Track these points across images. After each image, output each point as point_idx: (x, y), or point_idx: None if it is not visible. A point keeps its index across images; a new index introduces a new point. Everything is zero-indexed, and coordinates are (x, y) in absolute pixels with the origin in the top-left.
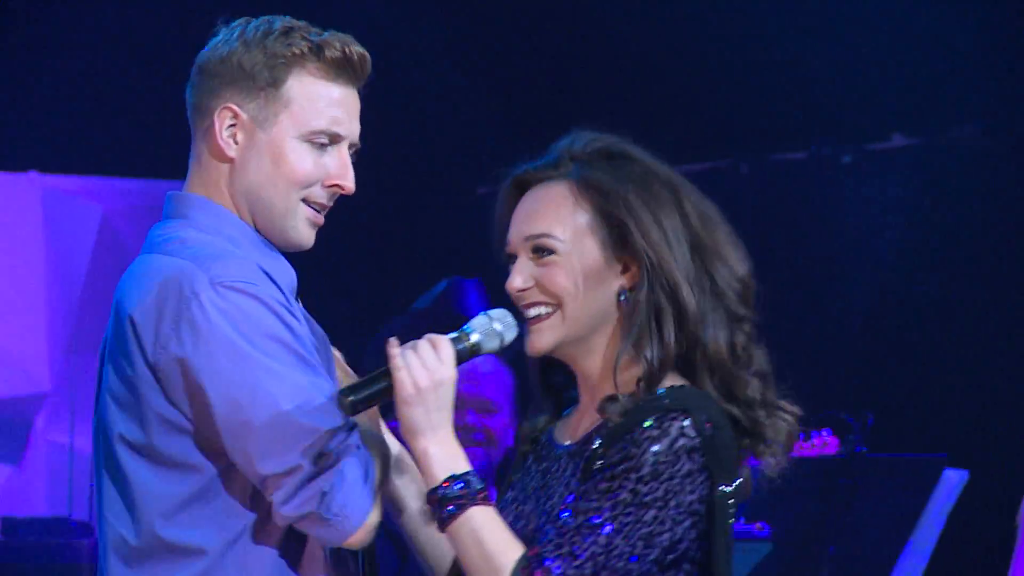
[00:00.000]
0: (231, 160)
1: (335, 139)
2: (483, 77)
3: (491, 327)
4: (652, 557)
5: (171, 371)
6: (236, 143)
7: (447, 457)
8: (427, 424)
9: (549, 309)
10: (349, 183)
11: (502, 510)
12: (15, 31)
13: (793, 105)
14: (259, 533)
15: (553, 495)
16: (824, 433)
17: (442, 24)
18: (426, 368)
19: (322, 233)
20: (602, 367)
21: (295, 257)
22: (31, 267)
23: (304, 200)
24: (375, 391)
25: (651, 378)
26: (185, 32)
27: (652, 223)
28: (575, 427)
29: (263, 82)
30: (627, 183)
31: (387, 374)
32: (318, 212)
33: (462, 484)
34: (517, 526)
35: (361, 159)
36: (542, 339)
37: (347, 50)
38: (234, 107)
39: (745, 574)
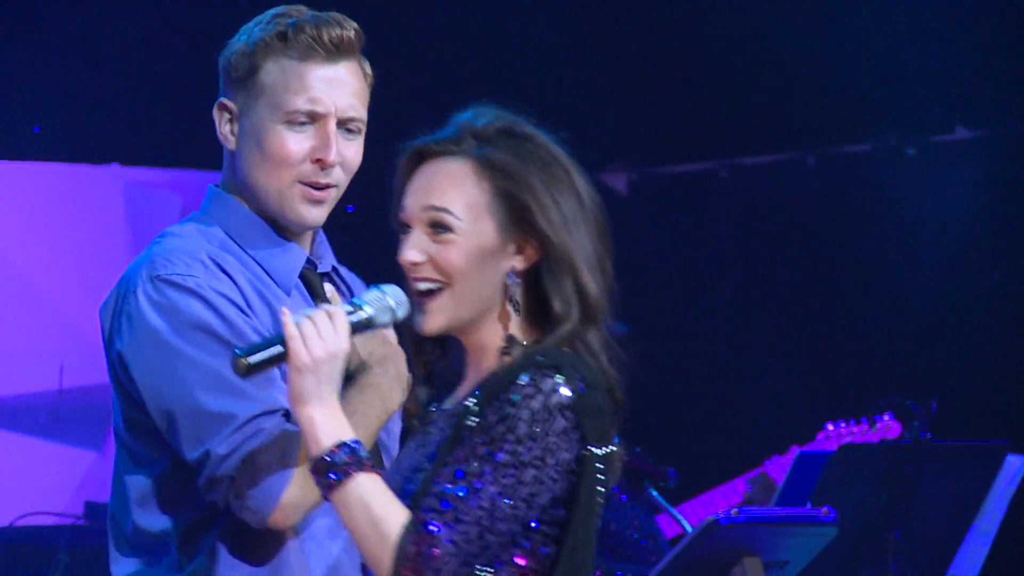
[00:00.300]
0: (232, 153)
1: (314, 116)
2: (558, 69)
3: (385, 302)
4: (534, 516)
5: (117, 365)
6: (233, 136)
7: (334, 425)
8: (316, 393)
9: (439, 285)
10: (329, 156)
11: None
12: (99, 26)
13: (857, 97)
14: (219, 521)
15: (422, 458)
16: (887, 418)
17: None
18: (322, 339)
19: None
20: (490, 343)
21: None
22: (113, 258)
23: (299, 181)
24: (270, 356)
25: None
26: None
27: (554, 206)
28: (457, 396)
29: (243, 72)
30: (530, 165)
31: (283, 341)
32: (314, 189)
33: (349, 451)
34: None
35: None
36: (433, 321)
37: (318, 31)
38: (226, 101)
39: (811, 558)
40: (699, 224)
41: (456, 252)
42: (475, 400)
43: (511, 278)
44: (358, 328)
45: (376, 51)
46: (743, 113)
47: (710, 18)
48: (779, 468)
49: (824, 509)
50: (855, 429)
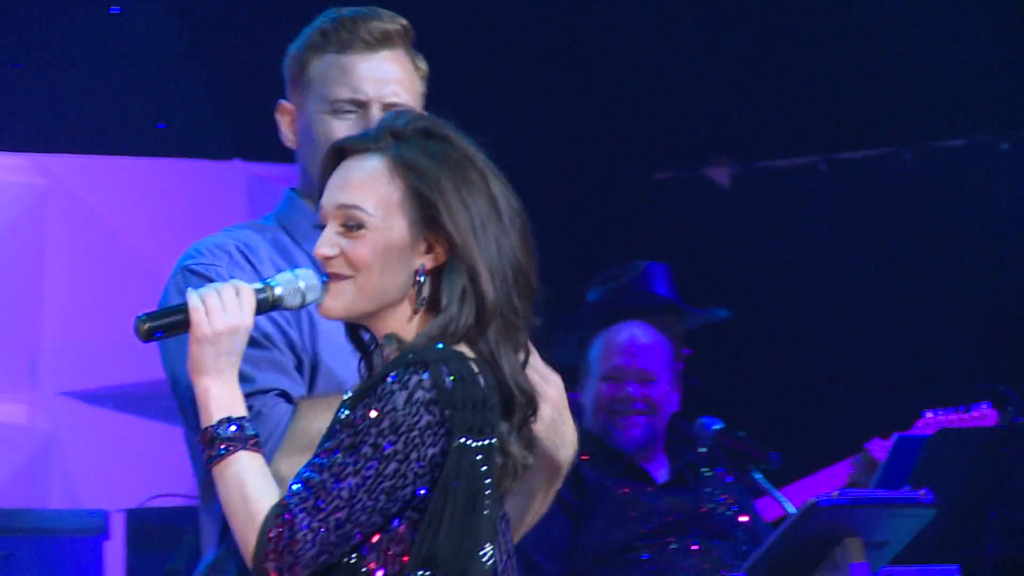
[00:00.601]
0: (295, 152)
1: (359, 104)
2: (662, 64)
3: (296, 284)
4: (395, 510)
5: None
6: (293, 135)
7: (228, 400)
8: (214, 365)
9: (348, 274)
10: None
11: None
12: (223, 23)
13: (953, 93)
14: None
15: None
16: (985, 407)
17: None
18: (225, 312)
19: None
20: (390, 332)
21: None
22: None
23: None
24: (172, 322)
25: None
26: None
27: (461, 207)
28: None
29: (295, 72)
30: (442, 165)
31: (186, 310)
32: None
33: (236, 428)
34: None
35: (543, 150)
36: (333, 304)
37: (355, 25)
38: (284, 103)
39: (910, 538)
40: (798, 216)
41: (366, 247)
42: (350, 394)
43: (418, 275)
44: (264, 306)
45: (463, 49)
46: (841, 108)
47: (809, 14)
48: (881, 452)
49: (922, 491)
50: (953, 417)
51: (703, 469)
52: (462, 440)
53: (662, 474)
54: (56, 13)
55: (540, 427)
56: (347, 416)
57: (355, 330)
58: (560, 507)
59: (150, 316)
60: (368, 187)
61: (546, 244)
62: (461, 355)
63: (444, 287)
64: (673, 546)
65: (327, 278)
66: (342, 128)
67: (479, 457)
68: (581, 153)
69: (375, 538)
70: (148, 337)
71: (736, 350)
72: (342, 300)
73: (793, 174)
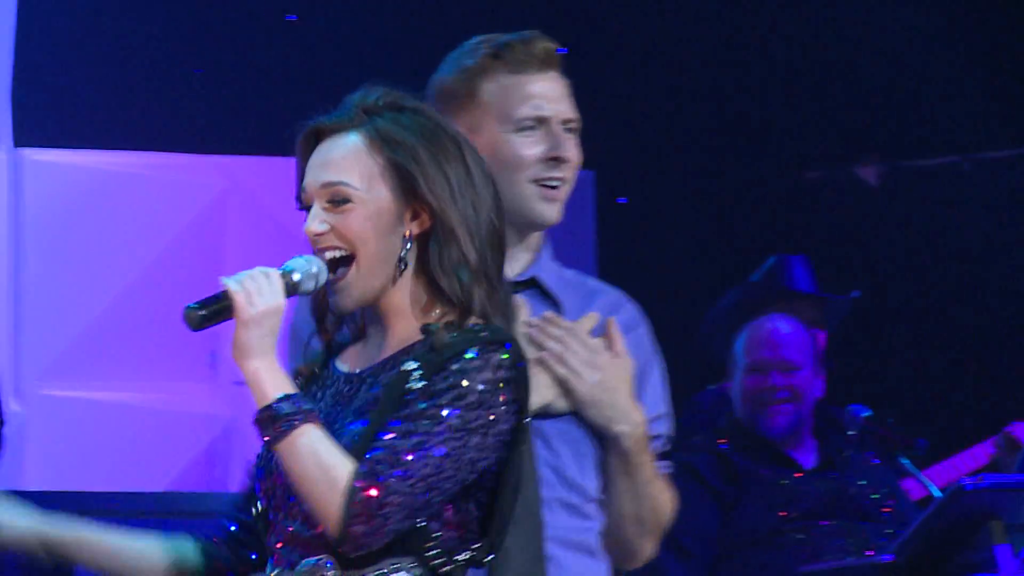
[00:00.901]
0: None
1: (541, 120)
2: (814, 67)
3: (310, 269)
4: (470, 481)
5: None
6: None
7: (278, 378)
8: (259, 347)
9: (343, 252)
10: (566, 152)
11: None
12: (368, 23)
13: None
14: None
15: (347, 414)
16: None
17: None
18: (263, 294)
19: (672, 218)
20: (396, 304)
21: (678, 245)
22: None
23: (534, 181)
24: (219, 308)
25: (462, 315)
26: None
27: (439, 175)
28: (360, 356)
29: (463, 97)
30: (416, 135)
31: (228, 296)
32: (550, 188)
33: (295, 403)
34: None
35: (700, 150)
36: (348, 298)
37: (527, 47)
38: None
39: None
40: (942, 214)
41: (356, 219)
42: (417, 367)
43: (405, 241)
44: (287, 291)
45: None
46: (984, 108)
47: (955, 17)
48: (1023, 433)
49: None
50: None
51: (851, 454)
52: (526, 420)
53: (810, 459)
54: (234, 21)
55: (585, 391)
56: (425, 387)
57: (325, 323)
58: (708, 493)
59: (199, 305)
60: (350, 162)
61: (701, 239)
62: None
63: (432, 252)
64: (820, 529)
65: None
66: (527, 145)
67: (527, 436)
68: (735, 153)
69: (448, 509)
70: (200, 325)
71: (884, 338)
72: (353, 288)
73: (938, 173)
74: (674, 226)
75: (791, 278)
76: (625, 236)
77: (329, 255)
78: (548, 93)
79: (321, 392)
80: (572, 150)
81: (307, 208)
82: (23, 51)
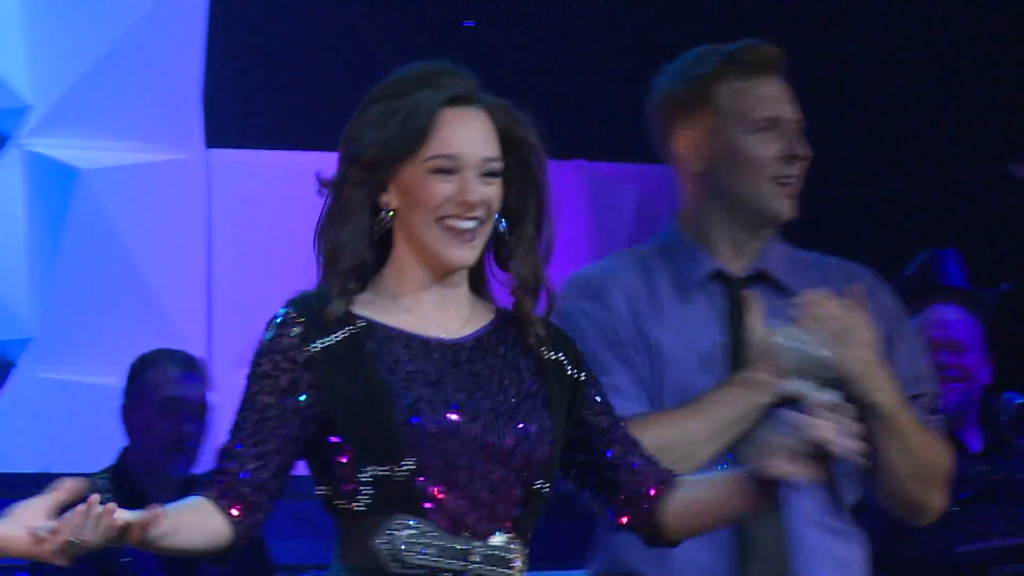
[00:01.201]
0: (699, 174)
1: (776, 122)
2: (968, 67)
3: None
4: None
5: None
6: (701, 158)
7: None
8: None
9: (480, 223)
10: (800, 151)
11: (441, 406)
12: (556, 24)
13: None
14: None
15: (507, 380)
16: None
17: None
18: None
19: (827, 215)
20: (473, 268)
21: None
22: (576, 249)
23: (774, 178)
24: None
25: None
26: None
27: (544, 156)
28: (450, 320)
29: (695, 104)
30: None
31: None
32: (786, 184)
33: None
34: (482, 415)
35: (856, 148)
36: (473, 255)
37: (756, 54)
38: (683, 132)
39: None
40: None
41: (498, 194)
42: (561, 354)
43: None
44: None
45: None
46: None
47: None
48: None
49: None
50: None
51: (1013, 438)
52: None
53: (976, 443)
54: (413, 28)
55: (857, 367)
56: (589, 373)
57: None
58: None
59: None
60: (493, 139)
61: (856, 236)
62: None
63: (525, 228)
64: (983, 512)
65: None
66: (765, 145)
67: None
68: (892, 150)
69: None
70: None
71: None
72: (478, 247)
73: None
74: (829, 222)
75: (943, 272)
76: (787, 234)
77: (471, 224)
78: (779, 95)
79: (424, 359)
80: (805, 148)
81: (448, 170)
82: (213, 55)
